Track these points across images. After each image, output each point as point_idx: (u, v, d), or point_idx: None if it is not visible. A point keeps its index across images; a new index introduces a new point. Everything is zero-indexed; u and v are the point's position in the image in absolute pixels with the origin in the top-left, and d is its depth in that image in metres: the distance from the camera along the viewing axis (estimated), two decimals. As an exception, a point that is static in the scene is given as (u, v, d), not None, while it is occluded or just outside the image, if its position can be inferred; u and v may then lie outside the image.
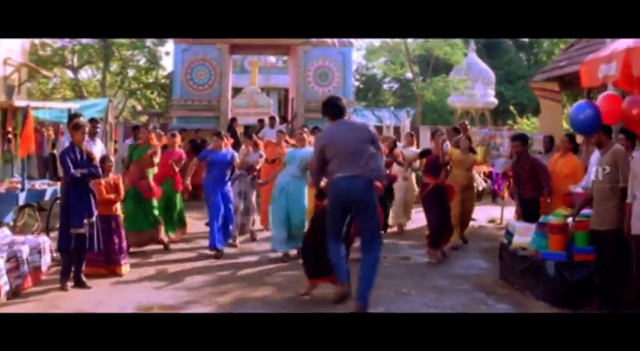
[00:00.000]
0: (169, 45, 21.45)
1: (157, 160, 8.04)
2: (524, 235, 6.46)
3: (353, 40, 16.40)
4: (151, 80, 21.59)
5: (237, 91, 19.40)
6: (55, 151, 12.13)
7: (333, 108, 5.35)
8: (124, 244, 6.89)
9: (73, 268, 6.20)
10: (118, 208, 6.90)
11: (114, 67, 20.90)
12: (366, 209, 5.14)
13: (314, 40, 15.19)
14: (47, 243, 6.61)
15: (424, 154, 8.27)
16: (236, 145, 10.99)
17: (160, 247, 8.06)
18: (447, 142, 8.02)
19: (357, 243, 6.22)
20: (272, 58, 24.23)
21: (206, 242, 7.99)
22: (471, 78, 20.55)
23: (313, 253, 5.85)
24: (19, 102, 8.52)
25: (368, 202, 5.13)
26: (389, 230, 9.15)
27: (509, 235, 6.86)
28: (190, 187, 8.44)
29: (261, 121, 14.61)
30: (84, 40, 18.76)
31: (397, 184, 9.16)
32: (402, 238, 9.25)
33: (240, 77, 21.38)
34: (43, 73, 15.60)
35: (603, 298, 5.52)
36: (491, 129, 13.86)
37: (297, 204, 7.26)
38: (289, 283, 6.42)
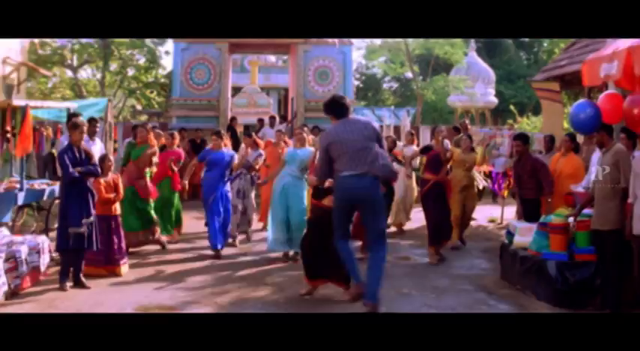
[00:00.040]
0: (169, 44, 21.47)
1: (155, 159, 8.02)
2: (525, 235, 6.44)
3: (353, 39, 16.37)
4: (150, 79, 21.55)
5: (236, 90, 19.41)
6: (54, 151, 12.10)
7: (337, 107, 5.33)
8: (124, 244, 6.87)
9: (72, 269, 6.18)
10: (118, 207, 6.88)
11: (113, 66, 20.85)
12: (373, 207, 5.13)
13: (314, 39, 15.17)
14: (46, 243, 6.59)
15: (425, 150, 8.26)
16: (236, 145, 10.97)
17: (158, 247, 8.04)
18: (447, 141, 7.98)
19: (357, 243, 6.19)
20: (272, 58, 24.21)
21: (205, 242, 7.98)
22: (471, 77, 20.56)
23: (313, 254, 5.83)
24: (18, 101, 8.49)
25: (375, 200, 5.12)
26: (388, 230, 9.12)
27: (510, 235, 6.84)
28: (188, 187, 8.42)
29: (261, 120, 14.59)
30: (83, 40, 18.71)
31: (397, 184, 9.13)
32: (402, 238, 9.23)
33: (240, 76, 21.37)
34: (42, 72, 15.58)
35: (605, 298, 5.51)
36: (492, 128, 13.86)
37: (297, 204, 7.24)
38: (289, 283, 6.40)
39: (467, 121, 11.88)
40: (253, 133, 9.45)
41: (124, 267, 6.79)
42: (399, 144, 10.43)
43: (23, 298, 5.73)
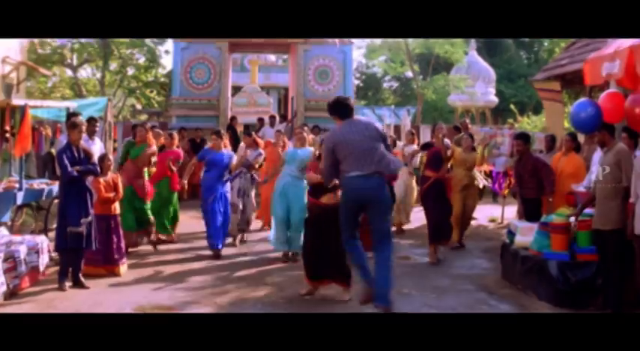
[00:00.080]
0: (169, 43, 21.42)
1: (154, 159, 8.00)
2: (527, 235, 6.42)
3: (353, 39, 16.33)
4: (150, 79, 21.53)
5: (236, 89, 19.37)
6: (53, 151, 12.07)
7: (341, 107, 5.32)
8: (123, 243, 6.85)
9: (71, 268, 6.15)
10: (117, 207, 6.86)
11: (113, 65, 20.84)
12: (380, 207, 5.11)
13: (314, 38, 15.13)
14: (45, 243, 6.56)
15: (426, 146, 8.23)
16: (236, 144, 10.95)
17: (158, 247, 8.01)
18: (447, 139, 7.96)
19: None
20: (272, 57, 24.18)
21: (204, 242, 7.95)
22: (472, 76, 20.55)
23: (314, 254, 5.81)
24: (17, 100, 8.47)
25: (382, 200, 5.11)
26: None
27: (511, 234, 6.82)
28: (187, 187, 8.41)
29: (261, 119, 14.56)
30: (83, 39, 18.69)
31: (397, 183, 9.10)
32: (403, 238, 9.20)
33: (240, 76, 21.33)
34: (41, 71, 15.54)
35: (606, 298, 5.49)
36: (492, 128, 13.83)
37: (297, 204, 7.22)
38: (289, 283, 6.38)
39: (467, 121, 11.86)
40: (253, 133, 9.42)
41: (123, 267, 6.77)
42: (399, 144, 10.42)
43: (22, 298, 5.71)
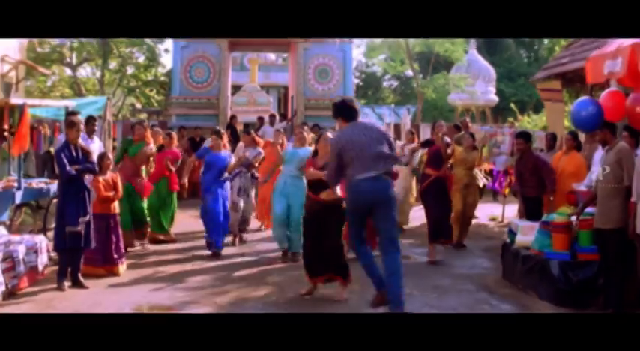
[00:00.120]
0: (168, 42, 21.37)
1: (152, 154, 8.00)
2: (527, 234, 6.39)
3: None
4: (150, 78, 21.51)
5: (236, 88, 19.33)
6: (52, 150, 12.04)
7: (347, 110, 5.29)
8: (122, 243, 6.83)
9: (70, 268, 6.13)
10: (117, 206, 6.83)
11: (113, 64, 20.82)
12: (387, 209, 5.10)
13: (314, 37, 15.12)
14: (44, 242, 6.53)
15: (426, 144, 8.19)
16: (236, 143, 10.92)
17: (157, 247, 7.99)
18: (447, 138, 7.93)
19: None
20: (272, 56, 24.14)
21: (204, 242, 7.91)
22: (472, 75, 20.53)
23: (313, 252, 5.78)
24: (16, 99, 8.43)
25: (390, 202, 5.11)
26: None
27: (512, 234, 6.79)
28: (187, 185, 8.38)
29: (260, 118, 14.54)
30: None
31: (397, 183, 9.06)
32: (403, 237, 9.12)
33: (240, 74, 21.30)
34: (41, 70, 15.51)
35: (607, 297, 5.47)
36: (492, 126, 13.81)
37: (297, 203, 7.20)
38: (289, 283, 6.35)
39: (467, 120, 11.83)
40: (252, 132, 9.39)
41: (123, 266, 6.75)
42: (399, 143, 10.38)
43: (21, 298, 5.68)
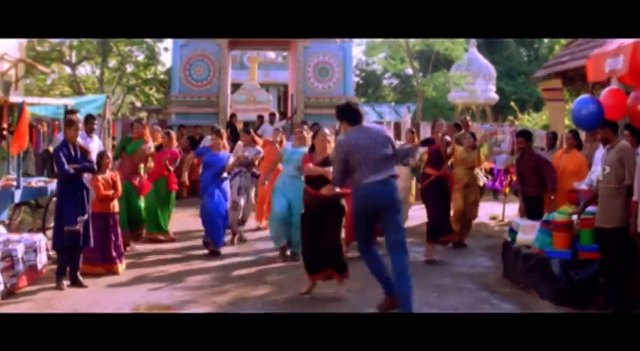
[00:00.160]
0: (168, 41, 21.35)
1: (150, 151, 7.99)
2: (528, 233, 6.37)
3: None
4: (149, 76, 21.47)
5: (236, 87, 19.28)
6: (50, 148, 12.02)
7: (352, 113, 5.29)
8: (121, 242, 6.80)
9: (69, 267, 6.10)
10: (116, 205, 6.81)
11: (112, 63, 20.78)
12: (394, 211, 5.11)
13: (313, 35, 15.07)
14: (43, 241, 6.50)
15: (426, 142, 8.17)
16: (235, 142, 10.89)
17: (157, 246, 7.96)
18: (447, 137, 7.90)
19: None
20: (271, 54, 24.11)
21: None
22: (472, 74, 20.50)
23: (312, 248, 5.76)
24: (15, 98, 8.40)
25: (397, 205, 5.13)
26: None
27: (513, 232, 6.78)
28: (188, 183, 8.37)
29: (260, 117, 14.51)
30: (82, 37, 18.65)
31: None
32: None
33: (240, 73, 21.26)
34: (40, 69, 15.48)
35: (608, 296, 5.45)
36: (493, 125, 13.78)
37: (298, 203, 7.16)
38: (288, 282, 6.33)
39: (468, 118, 11.79)
40: (251, 130, 9.36)
41: (122, 265, 6.72)
42: (399, 143, 10.34)
43: (19, 297, 5.67)
